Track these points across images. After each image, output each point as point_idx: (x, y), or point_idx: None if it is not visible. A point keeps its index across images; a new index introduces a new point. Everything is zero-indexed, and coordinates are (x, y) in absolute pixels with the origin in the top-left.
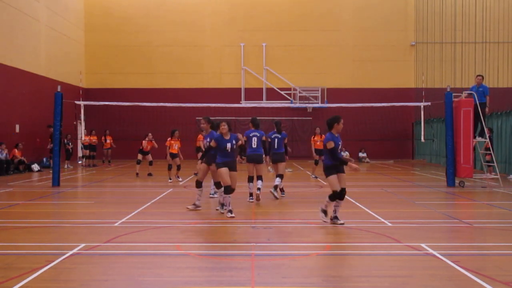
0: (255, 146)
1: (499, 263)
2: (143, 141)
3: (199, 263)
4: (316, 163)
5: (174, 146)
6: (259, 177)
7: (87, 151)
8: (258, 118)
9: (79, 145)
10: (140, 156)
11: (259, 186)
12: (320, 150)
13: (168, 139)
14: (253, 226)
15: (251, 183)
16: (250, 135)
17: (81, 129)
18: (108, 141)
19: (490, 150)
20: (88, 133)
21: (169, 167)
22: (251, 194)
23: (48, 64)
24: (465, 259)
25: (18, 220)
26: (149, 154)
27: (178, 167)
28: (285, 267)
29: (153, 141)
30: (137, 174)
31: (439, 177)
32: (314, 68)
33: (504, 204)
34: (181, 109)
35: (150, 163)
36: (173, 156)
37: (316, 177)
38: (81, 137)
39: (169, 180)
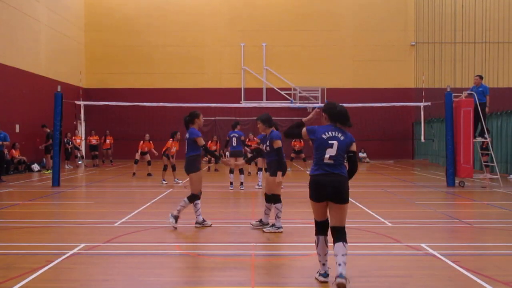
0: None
1: (499, 263)
2: (141, 142)
3: (199, 263)
4: None
5: (172, 148)
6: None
7: (81, 152)
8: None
9: (82, 145)
10: (138, 156)
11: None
12: None
13: (170, 140)
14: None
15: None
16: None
17: (81, 129)
18: (107, 141)
19: (487, 150)
20: (88, 133)
21: (164, 168)
22: None
23: (48, 64)
24: (465, 259)
25: (18, 220)
26: (147, 154)
27: (173, 168)
28: (285, 267)
29: (151, 143)
30: (134, 173)
31: (439, 177)
32: (314, 68)
33: (504, 204)
34: (181, 109)
35: (149, 163)
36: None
37: None
38: (75, 137)
39: (163, 182)
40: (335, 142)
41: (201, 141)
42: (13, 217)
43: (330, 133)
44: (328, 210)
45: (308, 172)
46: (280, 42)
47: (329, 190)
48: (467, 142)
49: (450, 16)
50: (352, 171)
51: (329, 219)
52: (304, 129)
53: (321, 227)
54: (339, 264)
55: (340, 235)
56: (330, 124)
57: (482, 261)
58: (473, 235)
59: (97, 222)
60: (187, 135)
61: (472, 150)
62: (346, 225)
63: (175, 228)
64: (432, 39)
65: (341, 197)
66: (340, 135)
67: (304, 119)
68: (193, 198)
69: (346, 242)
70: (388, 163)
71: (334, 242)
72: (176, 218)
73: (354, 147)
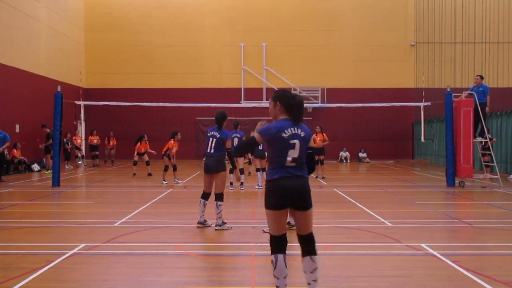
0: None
1: (499, 263)
2: (138, 143)
3: (199, 263)
4: (316, 163)
5: (173, 149)
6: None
7: (82, 151)
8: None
9: (82, 145)
10: (136, 157)
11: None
12: (318, 149)
13: (171, 141)
14: (253, 226)
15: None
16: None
17: (81, 129)
18: (111, 143)
19: (488, 150)
20: (89, 133)
21: (165, 168)
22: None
23: (48, 64)
24: (465, 259)
25: (18, 220)
26: (145, 155)
27: (174, 168)
28: None
29: (147, 143)
30: (134, 174)
31: (439, 177)
32: (314, 68)
33: (504, 204)
34: (181, 109)
35: (147, 163)
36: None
37: (324, 177)
38: (75, 137)
39: (164, 182)
40: (297, 142)
41: (230, 145)
42: (13, 217)
43: (290, 130)
44: (294, 220)
45: (313, 176)
46: (280, 42)
47: (293, 195)
48: (467, 142)
49: (450, 16)
50: (308, 171)
51: (297, 229)
52: (256, 134)
53: (279, 243)
54: (309, 283)
55: (308, 244)
56: (286, 119)
57: (482, 261)
58: (473, 235)
59: (97, 222)
60: (216, 134)
61: (472, 150)
62: (346, 225)
63: (231, 227)
64: (432, 39)
65: (306, 202)
66: (300, 131)
67: (253, 133)
68: (222, 196)
69: (315, 255)
70: (388, 163)
71: (302, 255)
72: (223, 223)
73: (311, 143)
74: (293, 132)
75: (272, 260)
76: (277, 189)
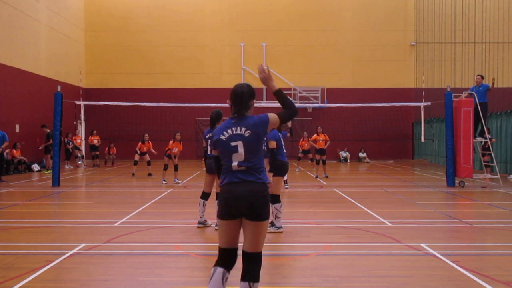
0: None
1: (499, 263)
2: (139, 143)
3: (199, 263)
4: (318, 162)
5: (174, 149)
6: None
7: (82, 151)
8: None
9: (82, 145)
10: (137, 157)
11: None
12: (321, 149)
13: (171, 141)
14: None
15: None
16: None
17: (81, 129)
18: (110, 152)
19: (488, 150)
20: (89, 133)
21: (165, 167)
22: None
23: (48, 64)
24: (465, 259)
25: (18, 220)
26: (147, 155)
27: (176, 168)
28: (285, 267)
29: (150, 142)
30: (133, 174)
31: (439, 177)
32: (314, 68)
33: (504, 204)
34: (181, 109)
35: (148, 163)
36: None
37: (327, 176)
38: (75, 137)
39: (164, 182)
40: (239, 143)
41: None
42: (13, 217)
43: (229, 131)
44: (243, 232)
45: (313, 176)
46: (280, 42)
47: (239, 202)
48: (467, 142)
49: (450, 16)
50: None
51: (244, 245)
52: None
53: (224, 257)
54: None
55: (251, 265)
56: (229, 118)
57: (482, 261)
58: (473, 235)
59: (97, 222)
60: (214, 136)
61: (472, 150)
62: (346, 225)
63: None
64: (432, 39)
65: (257, 211)
66: (244, 130)
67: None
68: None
69: (256, 282)
70: (388, 163)
71: (241, 278)
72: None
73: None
74: (234, 132)
75: (211, 274)
76: (223, 196)
